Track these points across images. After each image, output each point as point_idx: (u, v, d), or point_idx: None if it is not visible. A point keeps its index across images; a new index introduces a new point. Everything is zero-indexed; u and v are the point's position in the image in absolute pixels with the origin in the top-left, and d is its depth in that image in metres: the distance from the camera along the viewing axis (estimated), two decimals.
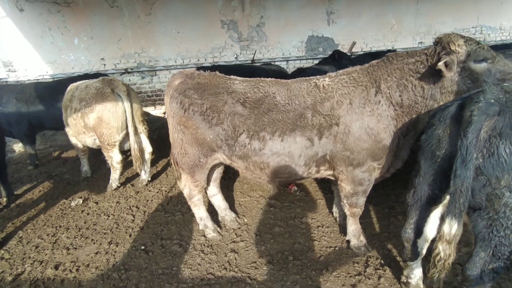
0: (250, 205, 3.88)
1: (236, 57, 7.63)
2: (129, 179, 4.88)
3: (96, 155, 5.54)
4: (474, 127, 1.57)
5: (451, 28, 8.52)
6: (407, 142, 2.54)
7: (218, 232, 3.21)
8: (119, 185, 4.50)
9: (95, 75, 5.97)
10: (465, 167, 1.59)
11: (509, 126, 1.56)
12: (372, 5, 7.94)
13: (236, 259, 2.90)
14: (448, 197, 1.77)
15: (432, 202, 1.96)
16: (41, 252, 3.24)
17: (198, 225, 3.31)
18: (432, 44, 2.33)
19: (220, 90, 2.66)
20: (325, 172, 2.76)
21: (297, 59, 7.99)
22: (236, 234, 3.29)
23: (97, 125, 3.91)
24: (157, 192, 4.41)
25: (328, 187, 4.09)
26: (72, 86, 4.56)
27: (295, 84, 2.65)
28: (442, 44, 2.18)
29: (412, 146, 2.63)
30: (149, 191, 4.47)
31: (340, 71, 2.65)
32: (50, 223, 3.79)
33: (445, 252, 1.76)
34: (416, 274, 2.30)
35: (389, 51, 6.92)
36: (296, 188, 4.16)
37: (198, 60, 7.43)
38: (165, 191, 4.43)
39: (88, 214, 3.95)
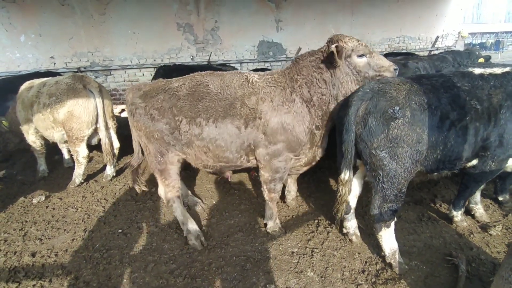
0: (217, 190, 4.30)
1: (192, 59, 7.97)
2: (90, 176, 4.92)
3: (50, 156, 5.43)
4: (353, 108, 2.39)
5: (379, 38, 9.97)
6: (325, 132, 3.01)
7: (201, 241, 3.09)
8: (82, 181, 4.55)
9: (46, 74, 5.85)
10: (348, 134, 2.40)
11: (375, 106, 2.34)
12: (314, 16, 8.93)
13: (209, 232, 3.31)
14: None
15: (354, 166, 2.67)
16: (11, 245, 3.25)
17: (134, 185, 3.64)
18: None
19: (159, 91, 2.97)
20: (254, 161, 3.09)
21: (250, 62, 8.60)
22: (207, 214, 3.69)
23: (66, 120, 3.99)
24: (124, 185, 4.57)
25: None
26: (32, 82, 4.52)
27: (229, 76, 2.96)
28: (332, 42, 2.72)
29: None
30: (115, 185, 4.60)
31: (267, 72, 3.10)
32: (14, 219, 3.75)
33: (342, 191, 2.57)
34: (352, 224, 2.98)
35: None
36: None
37: (155, 60, 7.60)
38: (131, 184, 4.60)
39: (54, 209, 3.98)
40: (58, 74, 6.11)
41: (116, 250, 3.08)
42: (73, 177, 4.48)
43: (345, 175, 2.53)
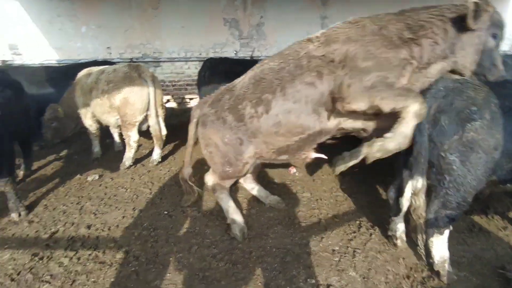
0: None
1: (235, 53, 8.10)
2: (138, 160, 5.22)
3: (102, 139, 5.84)
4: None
5: None
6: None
7: (244, 233, 3.06)
8: (131, 163, 4.85)
9: (103, 63, 6.27)
10: (421, 135, 2.23)
11: (449, 104, 2.18)
12: (361, 14, 8.56)
13: (251, 221, 3.37)
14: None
15: (406, 166, 2.54)
16: (69, 216, 3.56)
17: (213, 197, 3.73)
18: None
19: (224, 93, 2.98)
20: (333, 121, 2.59)
21: None
22: (247, 205, 3.76)
23: (122, 106, 4.28)
24: (168, 171, 4.79)
25: (323, 170, 4.67)
26: (91, 69, 4.87)
27: (286, 49, 2.80)
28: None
29: None
30: (160, 170, 4.85)
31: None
32: (72, 194, 4.10)
33: (416, 202, 2.36)
34: (399, 227, 2.86)
35: None
36: (295, 170, 4.68)
37: (200, 54, 7.84)
38: (175, 170, 4.82)
39: (106, 187, 4.29)
40: (113, 63, 6.52)
41: (162, 230, 3.25)
42: (124, 160, 4.78)
43: (418, 182, 2.30)
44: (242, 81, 2.90)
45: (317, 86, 2.46)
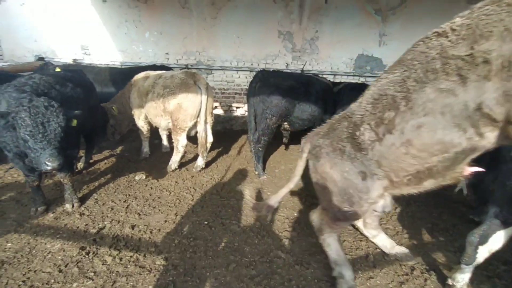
0: (298, 202, 4.18)
1: (286, 66, 8.04)
2: (182, 164, 5.33)
3: (151, 140, 6.07)
4: None
5: None
6: None
7: None
8: (177, 167, 4.95)
9: (161, 67, 6.57)
10: None
11: None
12: (426, 31, 8.09)
13: (291, 245, 3.21)
14: None
15: (507, 222, 2.19)
16: (116, 214, 3.70)
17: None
18: None
19: (341, 120, 2.59)
20: (489, 135, 1.93)
21: (345, 75, 8.27)
22: (288, 225, 3.60)
23: (175, 110, 4.40)
24: (210, 179, 4.81)
25: None
26: (148, 73, 5.10)
27: (407, 54, 2.21)
28: None
29: None
30: (203, 176, 4.88)
31: None
32: (120, 191, 4.27)
33: None
34: (464, 278, 2.50)
35: None
36: None
37: (252, 64, 7.90)
38: (217, 178, 4.83)
39: (151, 188, 4.41)
40: (170, 68, 6.83)
41: (201, 241, 3.22)
42: (170, 163, 4.90)
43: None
44: (359, 104, 2.48)
45: (458, 95, 1.87)
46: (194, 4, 7.25)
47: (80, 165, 4.86)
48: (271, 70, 6.17)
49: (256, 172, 4.93)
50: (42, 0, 7.06)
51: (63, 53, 7.48)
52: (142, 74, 5.19)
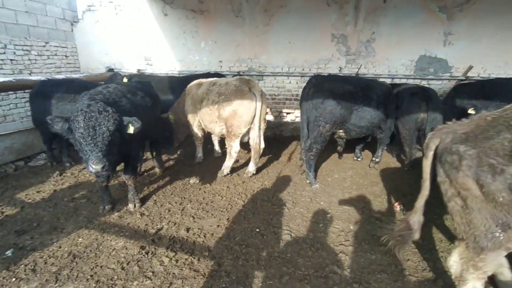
0: (354, 214, 3.93)
1: (339, 70, 7.75)
2: (234, 169, 5.39)
3: (204, 145, 6.28)
4: None
5: None
6: None
7: None
8: (229, 172, 5.03)
9: (215, 75, 6.79)
10: None
11: None
12: (496, 30, 7.20)
13: (348, 261, 3.01)
14: None
15: None
16: (173, 215, 3.85)
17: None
18: None
19: (498, 127, 2.04)
20: None
21: (404, 78, 7.69)
22: (344, 238, 3.39)
23: (230, 117, 4.48)
24: (261, 185, 4.79)
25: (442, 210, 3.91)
26: (201, 81, 5.23)
27: None
28: None
29: None
30: (254, 182, 4.88)
31: None
32: (176, 194, 4.46)
33: None
34: None
35: (510, 79, 6.25)
36: (402, 207, 4.06)
37: (303, 69, 7.78)
38: (268, 185, 4.79)
39: (205, 192, 4.52)
40: (223, 75, 7.02)
41: (253, 248, 3.18)
42: (222, 168, 4.99)
43: None
44: None
45: None
46: (247, 13, 7.40)
47: (157, 170, 5.19)
48: (325, 74, 5.95)
49: (308, 181, 4.77)
50: (113, 17, 7.83)
51: (129, 64, 8.19)
52: (194, 82, 5.35)
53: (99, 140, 2.94)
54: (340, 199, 4.34)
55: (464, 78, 7.51)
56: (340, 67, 7.76)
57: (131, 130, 3.20)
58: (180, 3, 7.51)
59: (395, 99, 5.19)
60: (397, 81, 7.75)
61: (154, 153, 5.19)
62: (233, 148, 4.68)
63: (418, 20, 7.34)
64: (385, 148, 5.69)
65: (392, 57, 7.66)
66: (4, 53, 6.35)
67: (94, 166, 2.92)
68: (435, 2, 7.12)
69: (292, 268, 2.89)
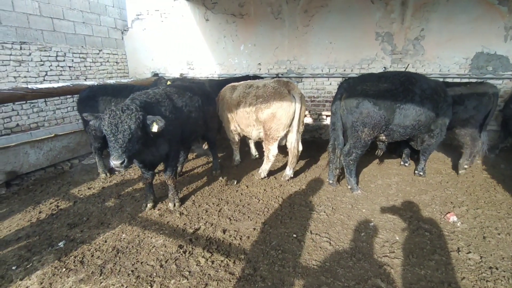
0: (400, 224, 3.64)
1: (384, 70, 7.33)
2: (271, 172, 5.32)
3: (242, 147, 6.29)
4: None
5: None
6: None
7: None
8: (266, 175, 4.97)
9: (254, 77, 6.81)
10: None
11: None
12: None
13: (393, 275, 2.78)
14: None
15: None
16: (210, 216, 3.89)
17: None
18: None
19: None
20: None
21: (457, 77, 7.05)
22: (388, 250, 3.15)
23: (268, 120, 4.41)
24: (299, 189, 4.66)
25: (501, 224, 3.49)
26: (234, 85, 5.16)
27: None
28: None
29: None
30: (291, 186, 4.77)
31: None
32: (214, 195, 4.50)
33: None
34: None
35: None
36: (456, 219, 3.67)
37: (344, 70, 7.50)
38: (305, 189, 4.64)
39: (241, 194, 4.52)
40: (261, 78, 7.01)
41: (290, 254, 3.08)
42: (260, 171, 4.95)
43: None
44: None
45: None
46: (287, 14, 7.34)
47: (213, 172, 5.32)
48: (357, 76, 5.44)
49: (349, 186, 4.54)
50: (159, 25, 8.25)
51: (173, 69, 8.55)
52: (228, 86, 5.27)
53: (120, 137, 3.01)
54: (384, 207, 4.06)
55: None
56: (384, 67, 7.35)
57: (154, 128, 3.20)
58: (221, 8, 7.67)
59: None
60: (449, 80, 7.13)
61: (212, 154, 5.37)
62: (271, 151, 4.61)
63: (474, 14, 6.70)
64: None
65: (444, 55, 7.07)
66: (64, 60, 6.98)
67: (113, 161, 3.02)
68: None
69: (331, 278, 2.73)
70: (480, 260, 2.98)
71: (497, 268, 2.85)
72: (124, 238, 3.45)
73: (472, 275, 2.77)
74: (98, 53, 7.82)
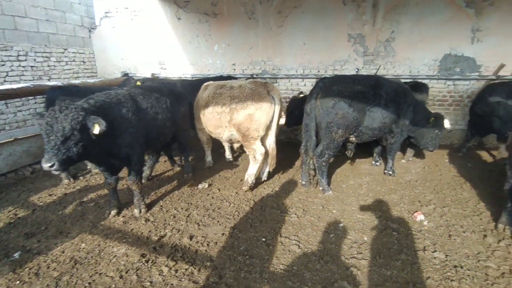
0: (369, 224, 3.65)
1: (357, 71, 7.43)
2: (243, 174, 5.23)
3: (217, 148, 6.16)
4: None
5: None
6: None
7: None
8: (253, 181, 4.53)
9: (228, 78, 6.68)
10: None
11: None
12: None
13: (360, 276, 2.75)
14: None
15: None
16: (177, 222, 3.73)
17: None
18: None
19: None
20: None
21: (427, 78, 7.25)
22: (356, 251, 3.13)
23: (245, 121, 4.21)
24: (271, 191, 4.59)
25: (468, 223, 3.57)
26: (211, 84, 4.94)
27: None
28: None
29: None
30: (264, 188, 4.69)
31: None
32: (183, 199, 4.35)
33: None
34: None
35: None
36: (423, 217, 3.73)
37: (318, 71, 7.54)
38: (278, 191, 4.58)
39: (212, 198, 4.39)
40: (235, 78, 6.90)
41: (258, 259, 2.99)
42: (246, 177, 4.54)
43: None
44: None
45: None
46: (261, 14, 7.29)
47: (185, 176, 5.13)
48: (332, 76, 5.55)
49: (321, 188, 4.52)
50: (129, 23, 7.96)
51: (144, 69, 8.29)
52: (203, 85, 5.10)
53: (52, 139, 2.81)
54: (355, 207, 4.06)
55: (495, 77, 6.97)
56: (357, 68, 7.45)
57: (96, 130, 2.96)
58: (194, 6, 7.51)
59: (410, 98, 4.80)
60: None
61: (183, 155, 5.19)
62: (257, 150, 4.35)
63: (443, 16, 6.93)
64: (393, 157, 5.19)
65: (414, 57, 7.27)
66: (26, 60, 6.58)
67: (42, 164, 2.80)
68: None
69: (298, 283, 2.67)
70: (445, 258, 3.01)
71: (461, 267, 2.88)
72: (83, 248, 3.24)
73: (437, 275, 2.79)
74: (63, 52, 7.44)
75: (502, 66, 7.01)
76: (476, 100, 6.28)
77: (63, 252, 3.18)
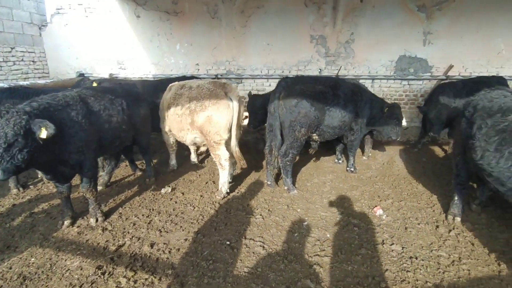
0: (331, 221, 3.73)
1: (320, 72, 7.63)
2: (211, 176, 5.14)
3: (182, 151, 5.99)
4: None
5: None
6: None
7: None
8: (228, 191, 4.40)
9: (191, 78, 6.53)
10: None
11: None
12: (478, 27, 7.22)
13: (321, 274, 2.79)
14: None
15: None
16: (138, 230, 3.56)
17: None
18: None
19: None
20: None
21: (384, 79, 7.64)
22: (319, 248, 3.18)
23: (205, 124, 4.10)
24: (237, 193, 4.55)
25: (422, 215, 3.78)
26: (174, 85, 4.81)
27: None
28: None
29: None
30: (229, 190, 4.62)
31: None
32: (145, 205, 4.16)
33: None
34: None
35: (493, 77, 6.22)
36: (382, 212, 3.89)
37: (283, 71, 7.63)
38: (244, 193, 4.55)
39: (176, 202, 4.25)
40: (199, 79, 6.76)
41: (222, 264, 2.93)
42: (220, 186, 4.41)
43: None
44: None
45: None
46: (224, 14, 7.22)
47: (147, 180, 4.91)
48: (294, 76, 5.72)
49: (286, 187, 4.56)
50: (83, 20, 7.50)
51: (101, 69, 7.85)
52: (169, 86, 4.94)
53: None
54: (318, 205, 4.14)
55: (445, 77, 7.50)
56: (320, 69, 7.65)
57: (43, 134, 2.74)
58: (153, 4, 7.26)
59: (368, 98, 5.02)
60: (377, 81, 7.69)
61: (144, 159, 5.00)
62: (221, 156, 4.23)
63: (397, 20, 7.31)
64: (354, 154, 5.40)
65: (372, 58, 7.61)
66: None
67: None
68: (414, 1, 7.12)
69: (262, 285, 2.65)
70: (402, 250, 3.16)
71: (416, 258, 3.04)
72: (33, 263, 2.97)
73: (394, 266, 2.91)
74: (10, 51, 6.84)
75: (451, 66, 7.57)
76: (428, 99, 6.70)
77: (10, 268, 2.91)
